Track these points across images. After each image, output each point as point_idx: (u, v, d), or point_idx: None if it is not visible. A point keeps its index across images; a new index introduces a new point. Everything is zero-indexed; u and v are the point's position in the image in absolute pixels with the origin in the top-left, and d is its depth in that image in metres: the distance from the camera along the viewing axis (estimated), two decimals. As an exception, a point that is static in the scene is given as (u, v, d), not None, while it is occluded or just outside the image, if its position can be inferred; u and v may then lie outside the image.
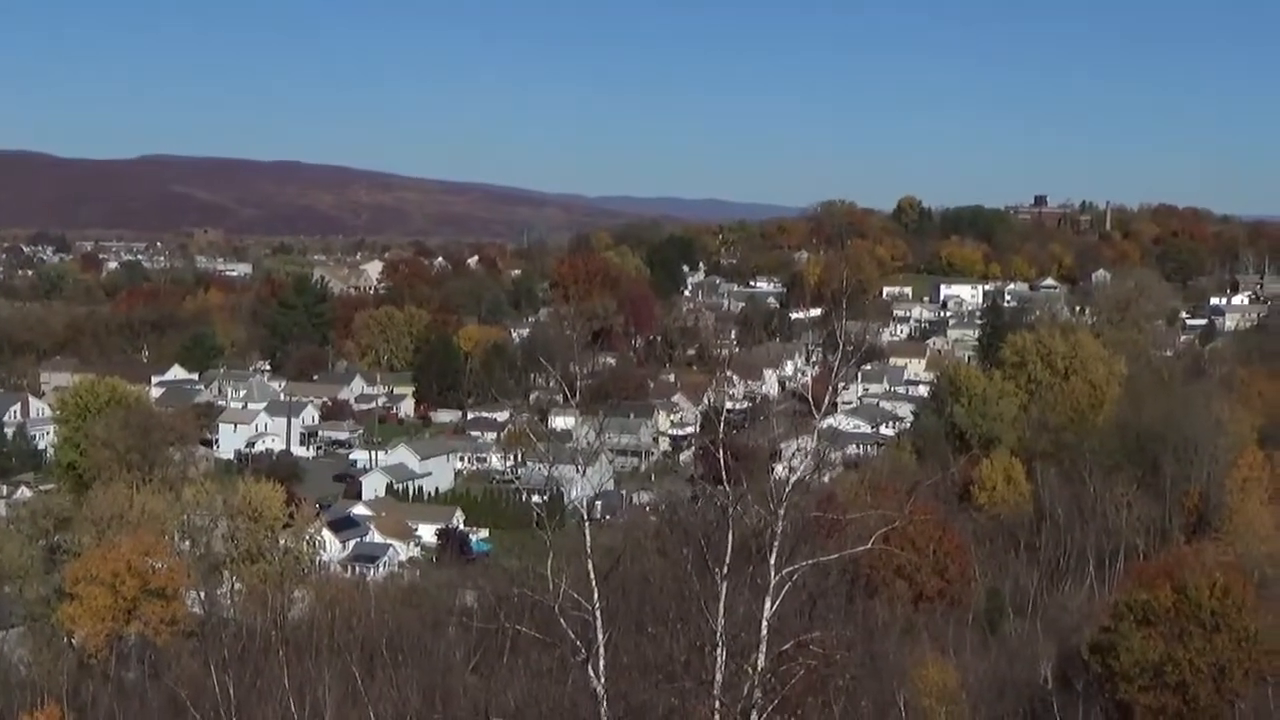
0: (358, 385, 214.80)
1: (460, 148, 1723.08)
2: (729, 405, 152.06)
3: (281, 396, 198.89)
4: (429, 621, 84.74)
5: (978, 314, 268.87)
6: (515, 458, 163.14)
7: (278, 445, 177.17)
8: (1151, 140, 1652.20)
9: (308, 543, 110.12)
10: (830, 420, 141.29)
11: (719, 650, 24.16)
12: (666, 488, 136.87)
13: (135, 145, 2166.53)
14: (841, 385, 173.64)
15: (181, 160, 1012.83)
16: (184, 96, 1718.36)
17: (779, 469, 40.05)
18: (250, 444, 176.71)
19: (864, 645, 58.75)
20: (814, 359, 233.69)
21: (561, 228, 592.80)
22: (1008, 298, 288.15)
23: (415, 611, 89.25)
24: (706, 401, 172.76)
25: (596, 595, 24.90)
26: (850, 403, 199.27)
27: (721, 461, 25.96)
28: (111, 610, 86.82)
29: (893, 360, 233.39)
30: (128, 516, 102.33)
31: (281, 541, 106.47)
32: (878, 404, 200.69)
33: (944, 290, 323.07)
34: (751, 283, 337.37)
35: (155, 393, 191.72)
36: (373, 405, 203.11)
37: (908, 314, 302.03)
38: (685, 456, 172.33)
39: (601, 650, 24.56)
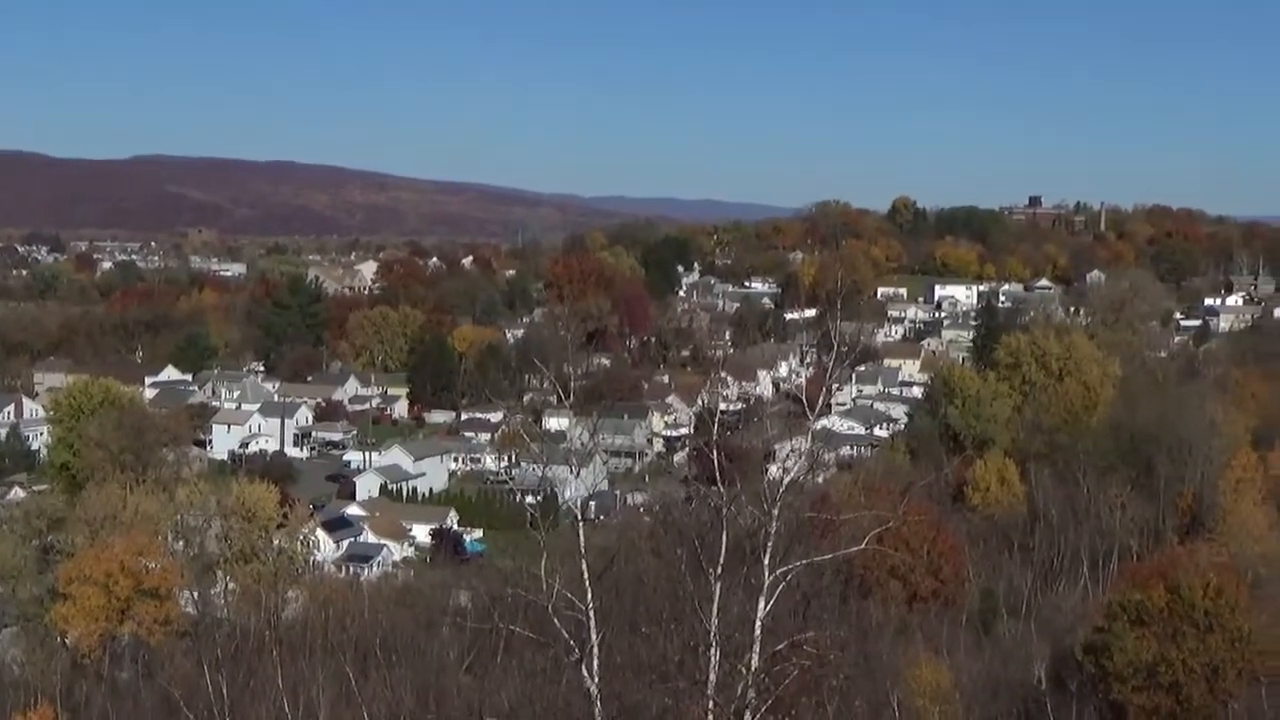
0: (352, 386, 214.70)
1: (455, 148, 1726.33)
2: (723, 406, 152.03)
3: (275, 397, 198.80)
4: (423, 622, 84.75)
5: (972, 315, 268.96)
6: (509, 458, 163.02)
7: (271, 446, 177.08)
8: (1146, 141, 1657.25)
9: (301, 543, 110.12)
10: (824, 421, 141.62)
11: (713, 650, 24.14)
12: (661, 488, 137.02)
13: (130, 145, 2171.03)
14: (835, 386, 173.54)
15: (176, 160, 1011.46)
16: (179, 96, 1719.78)
17: (773, 470, 40.07)
18: (244, 445, 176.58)
19: (858, 645, 58.82)
20: (808, 360, 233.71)
21: (556, 228, 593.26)
22: (1002, 299, 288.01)
23: (409, 612, 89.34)
24: (701, 402, 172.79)
25: (590, 595, 24.88)
26: (844, 404, 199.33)
27: (715, 462, 25.96)
28: (105, 610, 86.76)
29: (887, 361, 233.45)
30: (121, 517, 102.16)
31: (275, 542, 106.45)
32: (872, 405, 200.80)
33: (938, 291, 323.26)
34: (746, 283, 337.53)
35: (149, 393, 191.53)
36: (367, 406, 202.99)
37: (902, 315, 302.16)
38: (679, 457, 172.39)
39: (595, 650, 24.54)
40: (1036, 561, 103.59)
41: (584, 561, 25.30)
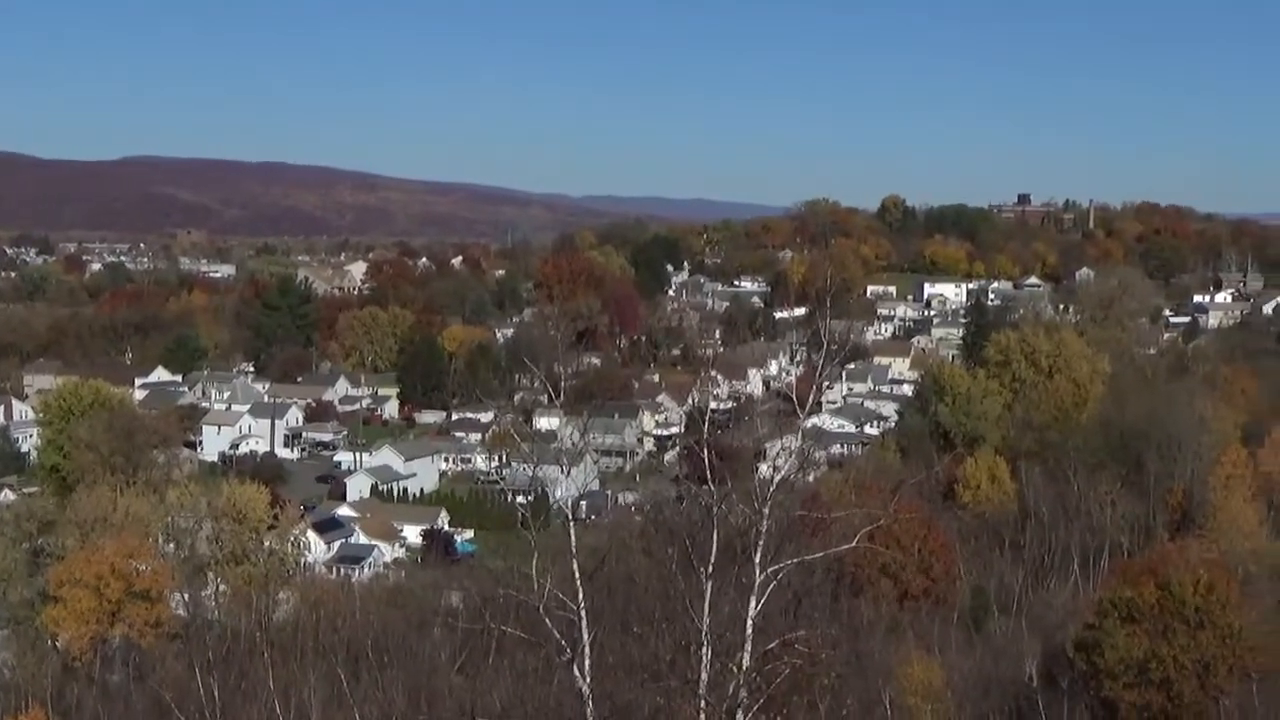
0: (342, 386, 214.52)
1: (445, 148, 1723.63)
2: (714, 405, 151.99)
3: (265, 398, 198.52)
4: (414, 622, 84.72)
5: (962, 313, 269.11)
6: (500, 458, 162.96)
7: (262, 447, 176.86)
8: (1135, 139, 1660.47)
9: (292, 544, 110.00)
10: (815, 419, 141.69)
11: (704, 649, 24.16)
12: (651, 488, 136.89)
13: (118, 146, 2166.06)
14: (826, 384, 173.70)
15: (165, 161, 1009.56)
16: (168, 97, 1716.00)
17: (764, 468, 40.11)
18: (234, 446, 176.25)
19: (849, 644, 58.77)
20: (798, 358, 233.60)
21: (546, 227, 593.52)
22: (991, 296, 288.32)
23: (400, 612, 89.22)
24: (691, 401, 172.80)
25: (581, 595, 24.89)
26: (835, 402, 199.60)
27: (706, 461, 25.95)
28: (96, 613, 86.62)
29: (877, 359, 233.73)
30: (111, 519, 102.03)
31: (266, 543, 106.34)
32: (862, 403, 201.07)
33: (928, 289, 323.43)
34: (736, 282, 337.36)
35: (139, 395, 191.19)
36: (357, 406, 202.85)
37: (892, 313, 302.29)
38: (670, 456, 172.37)
39: (587, 650, 24.54)
40: (1027, 559, 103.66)
41: (575, 561, 25.31)
